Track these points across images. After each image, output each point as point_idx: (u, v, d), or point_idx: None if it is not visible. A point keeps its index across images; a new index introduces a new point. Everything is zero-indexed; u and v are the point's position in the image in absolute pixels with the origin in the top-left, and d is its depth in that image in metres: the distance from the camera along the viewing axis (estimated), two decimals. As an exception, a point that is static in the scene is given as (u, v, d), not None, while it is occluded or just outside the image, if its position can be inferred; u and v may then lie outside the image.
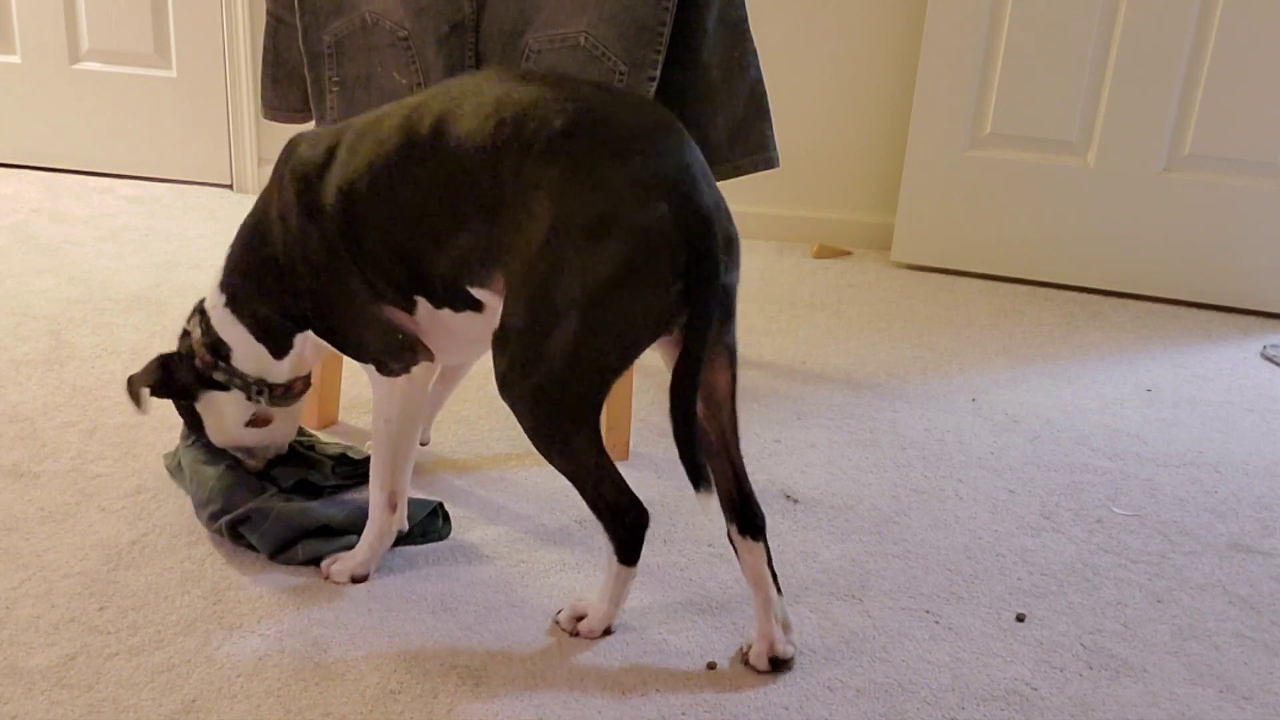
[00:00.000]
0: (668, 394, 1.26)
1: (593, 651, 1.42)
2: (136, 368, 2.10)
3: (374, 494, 1.52)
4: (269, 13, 1.81)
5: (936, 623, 1.52)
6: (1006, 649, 1.47)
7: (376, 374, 1.49)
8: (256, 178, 3.25)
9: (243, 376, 1.56)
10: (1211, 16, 2.65)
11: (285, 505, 1.57)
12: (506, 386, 1.32)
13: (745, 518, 1.37)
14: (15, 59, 3.26)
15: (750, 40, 1.74)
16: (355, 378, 2.10)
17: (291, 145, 1.48)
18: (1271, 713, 1.39)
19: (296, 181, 1.44)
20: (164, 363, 1.58)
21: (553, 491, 1.78)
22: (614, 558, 1.39)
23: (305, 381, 1.61)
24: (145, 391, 1.54)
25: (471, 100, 1.33)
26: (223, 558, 1.56)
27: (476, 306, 1.38)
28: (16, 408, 1.94)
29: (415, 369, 1.48)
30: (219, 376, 1.56)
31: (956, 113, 2.83)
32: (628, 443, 1.88)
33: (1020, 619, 1.53)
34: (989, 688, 1.40)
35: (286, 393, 1.59)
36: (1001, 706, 1.37)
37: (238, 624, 1.43)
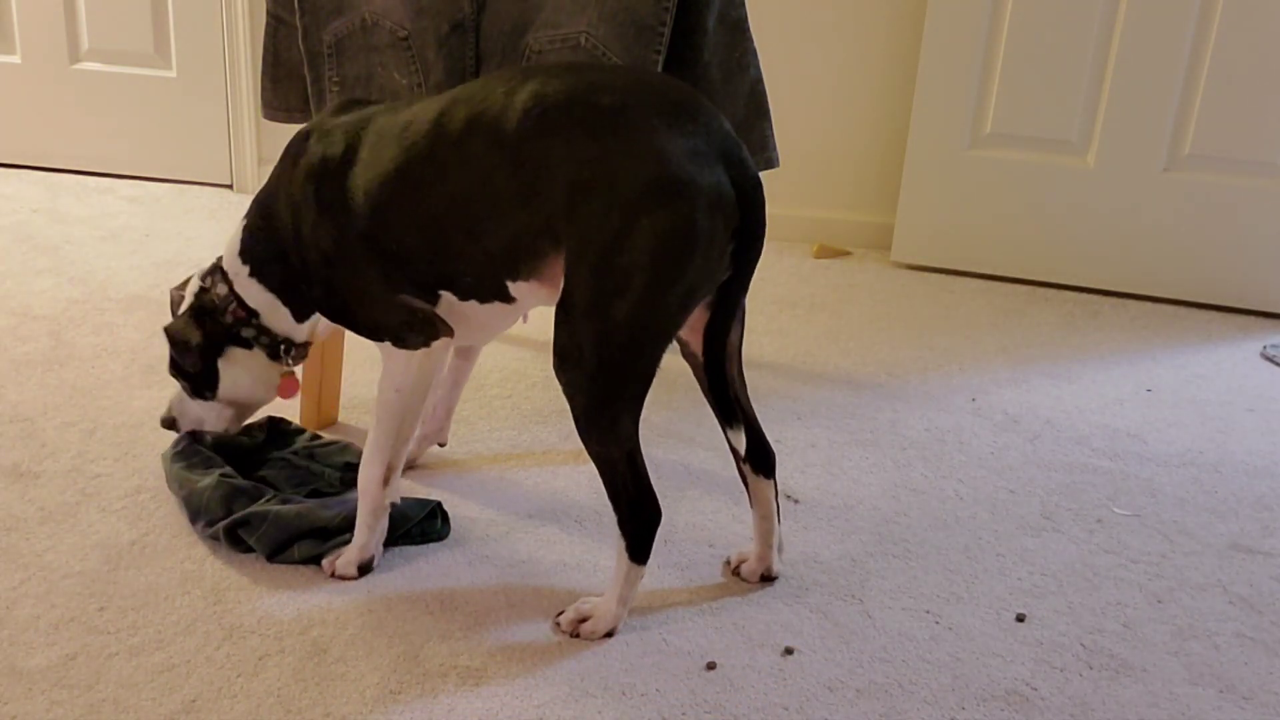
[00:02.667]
0: (700, 349, 1.41)
1: (593, 651, 1.42)
2: (136, 367, 2.11)
3: (369, 468, 1.52)
4: (269, 13, 1.81)
5: (936, 623, 1.52)
6: (1006, 649, 1.47)
7: (391, 347, 1.49)
8: (256, 178, 3.25)
9: (272, 335, 1.60)
10: (1211, 16, 2.65)
11: (282, 508, 1.57)
12: (567, 359, 1.33)
13: (759, 457, 1.52)
14: (15, 59, 3.26)
15: (750, 40, 1.75)
16: (354, 377, 2.10)
17: (304, 138, 1.49)
18: (1272, 713, 1.39)
19: (312, 179, 1.46)
20: (194, 317, 1.60)
21: (553, 491, 1.78)
22: (624, 555, 1.40)
23: (308, 345, 1.66)
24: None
25: (503, 96, 1.34)
26: (223, 558, 1.56)
27: (507, 299, 1.41)
28: (16, 408, 1.94)
29: (435, 343, 1.49)
30: (247, 333, 1.59)
31: (956, 113, 2.83)
32: (628, 443, 1.88)
33: (1020, 619, 1.53)
34: (989, 688, 1.40)
35: (301, 352, 1.64)
36: (1001, 706, 1.37)
37: (238, 624, 1.43)
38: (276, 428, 1.81)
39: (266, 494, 1.62)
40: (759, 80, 1.77)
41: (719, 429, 1.50)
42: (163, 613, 1.45)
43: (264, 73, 1.85)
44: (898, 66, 2.98)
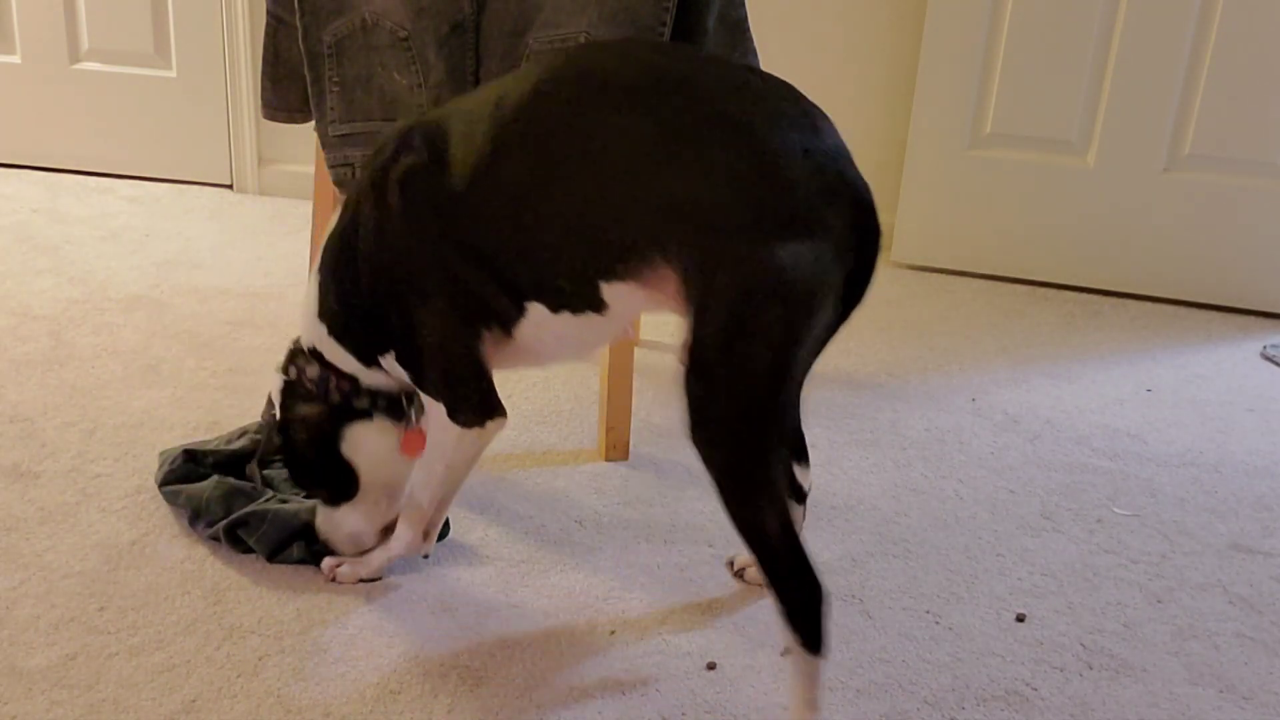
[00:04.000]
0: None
1: (593, 651, 1.42)
2: (136, 367, 2.11)
3: (409, 522, 1.48)
4: (269, 13, 1.81)
5: (936, 623, 1.52)
6: (1006, 649, 1.47)
7: (445, 418, 1.40)
8: (256, 178, 3.25)
9: (386, 393, 1.47)
10: (1211, 16, 2.65)
11: (281, 507, 1.57)
12: (706, 416, 1.18)
13: (798, 491, 1.48)
14: (15, 59, 3.26)
15: (750, 40, 1.75)
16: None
17: (387, 154, 1.36)
18: (1272, 713, 1.39)
19: (402, 191, 1.34)
20: (281, 426, 1.48)
21: (553, 491, 1.78)
22: (800, 652, 1.19)
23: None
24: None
25: (613, 76, 1.22)
26: (223, 558, 1.56)
27: (599, 307, 1.28)
28: (16, 408, 1.94)
29: (490, 423, 1.40)
30: (360, 403, 1.46)
31: (956, 113, 2.83)
32: (628, 443, 1.88)
33: (1020, 619, 1.53)
34: (989, 688, 1.40)
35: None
36: (1001, 706, 1.37)
37: (238, 624, 1.43)
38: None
39: (265, 494, 1.62)
40: (759, 80, 1.77)
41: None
42: (163, 613, 1.45)
43: (264, 73, 1.85)
44: (898, 66, 2.98)
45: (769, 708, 1.34)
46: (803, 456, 1.48)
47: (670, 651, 1.43)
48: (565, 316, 1.31)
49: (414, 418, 1.50)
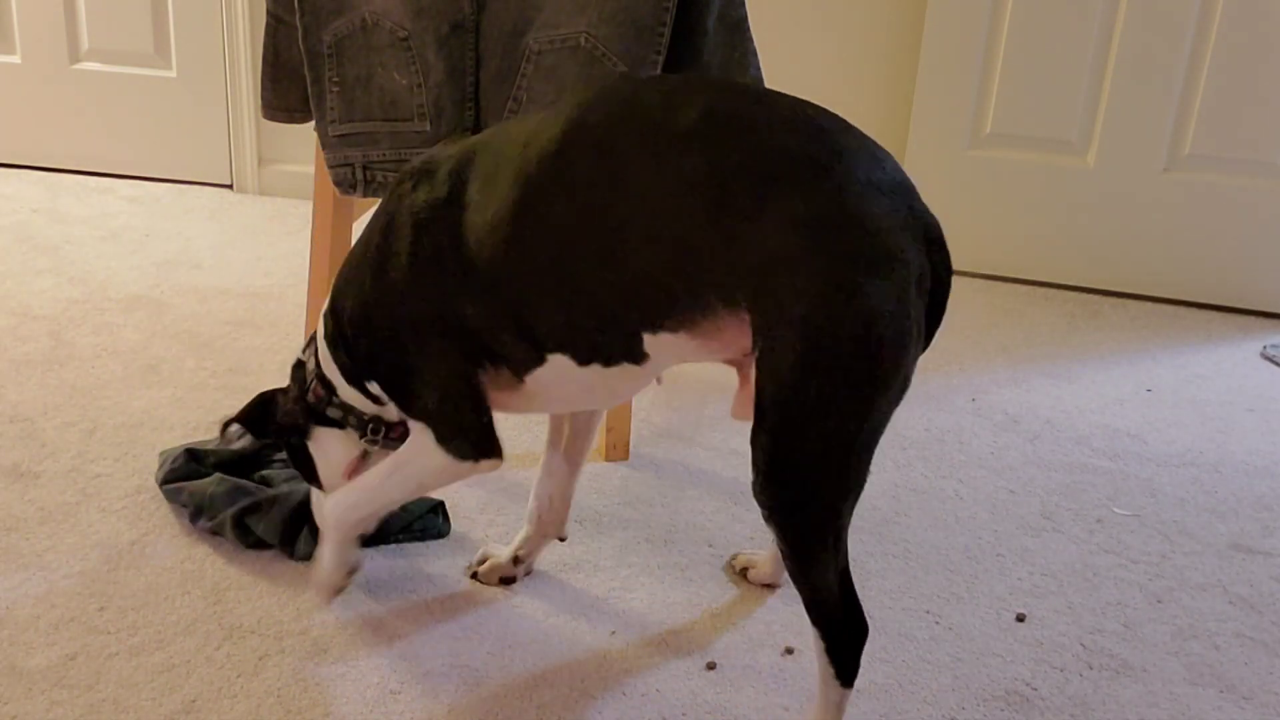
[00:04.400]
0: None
1: (593, 652, 1.42)
2: (136, 367, 2.11)
3: (351, 512, 1.40)
4: (269, 12, 1.81)
5: (936, 623, 1.52)
6: (1006, 649, 1.47)
7: (432, 441, 1.30)
8: (256, 178, 3.25)
9: (358, 414, 1.39)
10: (1211, 16, 2.65)
11: (290, 491, 1.57)
12: (779, 479, 1.11)
13: None
14: (15, 59, 3.26)
15: (750, 40, 1.74)
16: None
17: (405, 186, 1.29)
18: (1272, 713, 1.39)
19: (415, 229, 1.25)
20: (265, 399, 1.43)
21: (553, 491, 1.78)
22: (831, 682, 1.19)
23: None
24: (234, 428, 1.41)
25: (657, 114, 1.13)
26: (223, 558, 1.56)
27: (639, 358, 1.19)
28: (16, 408, 1.94)
29: (483, 462, 1.30)
30: (333, 413, 1.40)
31: (956, 113, 2.83)
32: (628, 443, 1.88)
33: (1020, 619, 1.53)
34: (989, 688, 1.40)
35: (394, 435, 1.41)
36: (1001, 706, 1.37)
37: (238, 624, 1.43)
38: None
39: (268, 492, 1.62)
40: (759, 80, 1.77)
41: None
42: (163, 613, 1.45)
43: (264, 73, 1.85)
44: (898, 66, 2.98)
45: (769, 708, 1.34)
46: None
47: (670, 651, 1.43)
48: (594, 368, 1.22)
49: (379, 446, 1.42)
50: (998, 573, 1.64)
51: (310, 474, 1.45)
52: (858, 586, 1.58)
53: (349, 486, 1.40)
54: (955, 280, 2.89)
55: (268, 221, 3.00)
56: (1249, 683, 1.44)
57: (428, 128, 1.69)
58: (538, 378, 1.25)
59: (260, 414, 1.43)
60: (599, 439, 1.90)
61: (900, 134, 3.00)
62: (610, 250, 1.13)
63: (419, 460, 1.32)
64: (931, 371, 2.33)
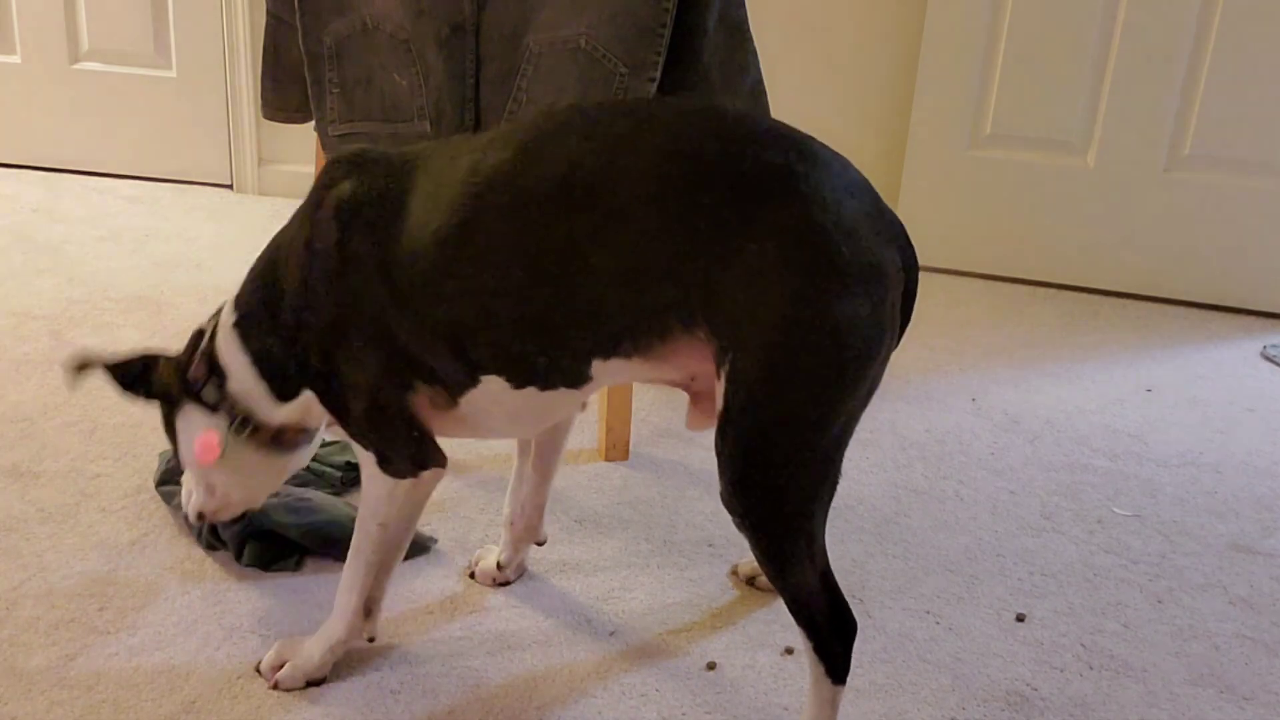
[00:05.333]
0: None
1: (593, 652, 1.42)
2: (136, 368, 2.11)
3: (346, 597, 1.33)
4: (269, 12, 1.81)
5: (936, 623, 1.52)
6: (1006, 649, 1.47)
7: (376, 470, 1.27)
8: (256, 178, 3.25)
9: (232, 405, 1.33)
10: (1211, 16, 2.65)
11: (259, 514, 1.54)
12: (748, 486, 1.10)
13: None
14: (15, 59, 3.26)
15: (751, 41, 1.74)
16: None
17: (333, 171, 1.24)
18: (1272, 713, 1.39)
19: (340, 225, 1.20)
20: (147, 358, 1.36)
21: (553, 491, 1.77)
22: (823, 680, 1.18)
23: (302, 433, 1.37)
24: (98, 370, 1.34)
25: (629, 131, 1.11)
26: (223, 558, 1.56)
27: (579, 382, 1.17)
28: (16, 408, 1.94)
29: (425, 474, 1.28)
30: (208, 396, 1.33)
31: (956, 113, 2.83)
32: (628, 443, 1.88)
33: (1020, 619, 1.53)
34: (989, 688, 1.40)
35: (275, 440, 1.36)
36: (1001, 706, 1.37)
37: (238, 624, 1.43)
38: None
39: None
40: (759, 81, 1.77)
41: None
42: (163, 612, 1.45)
43: (264, 73, 1.85)
44: (898, 66, 2.98)
45: (769, 708, 1.34)
46: None
47: (670, 651, 1.43)
48: (530, 392, 1.19)
49: (241, 440, 1.34)
50: (998, 573, 1.64)
51: (174, 443, 1.40)
52: (858, 586, 1.58)
53: (344, 573, 1.34)
54: (955, 280, 2.89)
55: (268, 221, 3.00)
56: (1249, 683, 1.44)
57: (428, 129, 1.69)
58: (472, 400, 1.21)
59: (137, 370, 1.36)
60: (599, 439, 1.90)
61: (900, 134, 3.00)
62: (566, 276, 1.10)
63: (372, 492, 1.29)
64: (931, 371, 2.33)
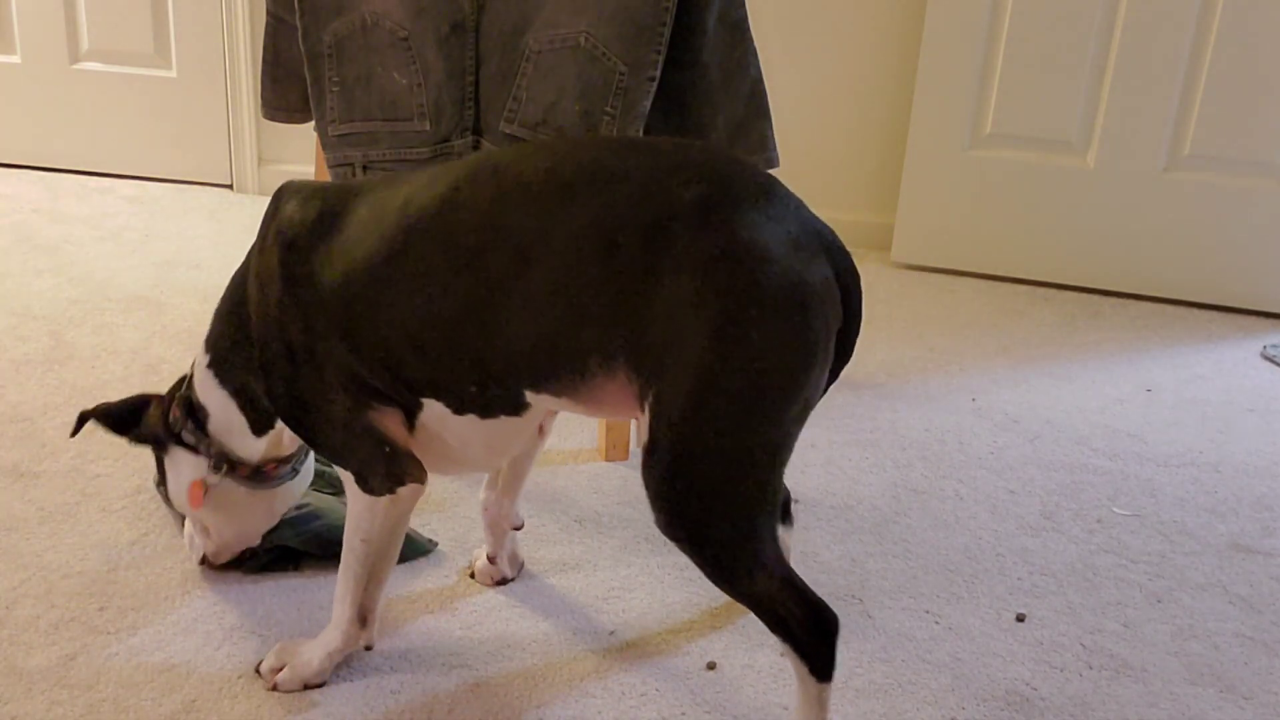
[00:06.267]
0: None
1: (593, 652, 1.42)
2: (136, 367, 2.11)
3: (340, 607, 1.33)
4: (269, 12, 1.81)
5: (936, 623, 1.52)
6: (1006, 649, 1.47)
7: (355, 487, 1.28)
8: (256, 178, 3.25)
9: (209, 445, 1.38)
10: (1211, 16, 2.65)
11: None
12: (676, 519, 1.11)
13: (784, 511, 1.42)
14: (15, 59, 3.26)
15: (750, 40, 1.74)
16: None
17: (279, 197, 1.28)
18: (1272, 713, 1.39)
19: (282, 246, 1.24)
20: (140, 401, 1.43)
21: (553, 491, 1.78)
22: (808, 679, 1.16)
23: (284, 464, 1.41)
24: (90, 422, 1.41)
25: (544, 174, 1.12)
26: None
27: (517, 409, 1.20)
28: (16, 408, 1.94)
29: (402, 490, 1.28)
30: (188, 437, 1.39)
31: (956, 113, 2.83)
32: (628, 443, 1.88)
33: (1020, 619, 1.53)
34: (989, 688, 1.40)
35: (256, 474, 1.39)
36: (1001, 706, 1.37)
37: (237, 624, 1.43)
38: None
39: None
40: (759, 80, 1.77)
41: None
42: (163, 613, 1.45)
43: (264, 72, 1.85)
44: (898, 66, 2.98)
45: (769, 708, 1.34)
46: (785, 515, 1.47)
47: (670, 651, 1.43)
48: (471, 419, 1.21)
49: (217, 479, 1.39)
50: (998, 573, 1.64)
51: (163, 486, 1.46)
52: (858, 586, 1.58)
53: (338, 586, 1.35)
54: (956, 280, 2.89)
55: (268, 221, 3.00)
56: (1249, 683, 1.44)
57: (428, 127, 1.69)
58: (423, 424, 1.24)
59: (128, 415, 1.42)
60: (599, 439, 1.90)
61: (900, 134, 3.00)
62: (489, 312, 1.12)
63: (352, 509, 1.30)
64: (932, 371, 2.33)
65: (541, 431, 1.40)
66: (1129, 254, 2.83)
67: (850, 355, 1.16)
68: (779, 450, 1.11)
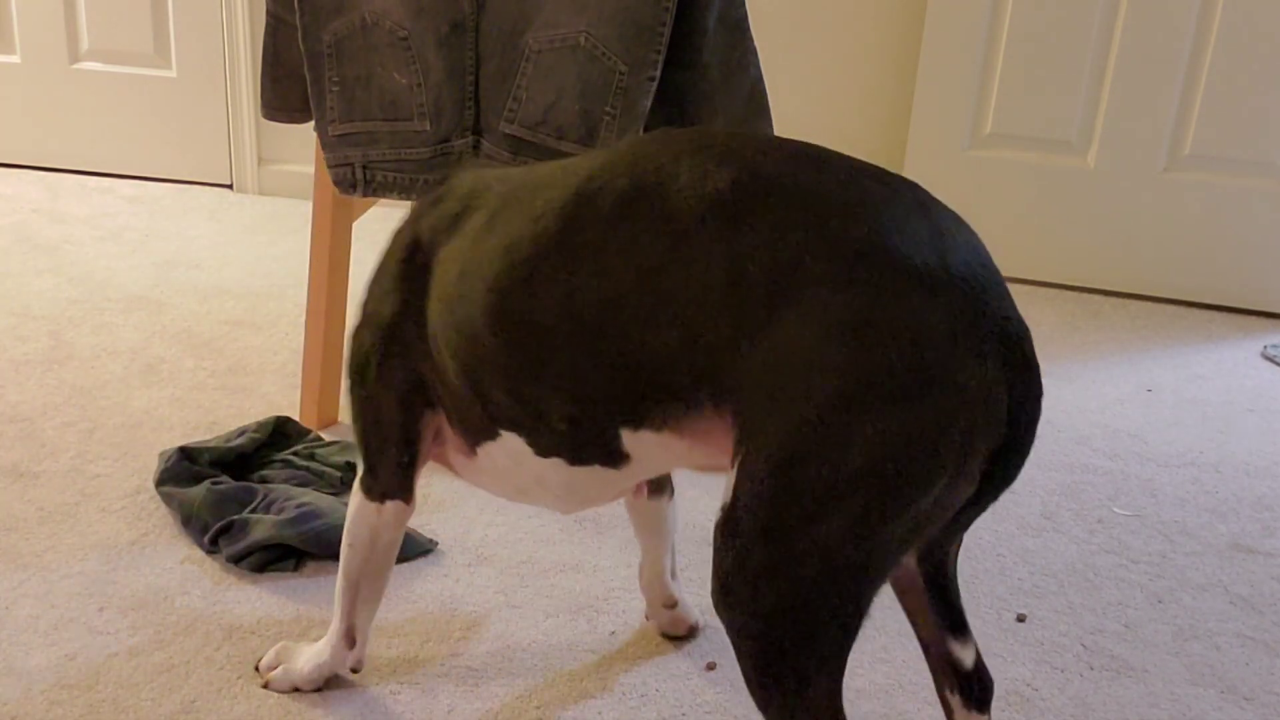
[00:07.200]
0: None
1: (593, 652, 1.42)
2: (136, 367, 2.11)
3: (335, 622, 1.31)
4: (269, 12, 1.81)
5: (937, 623, 1.52)
6: (1007, 649, 1.47)
7: (358, 481, 1.26)
8: (256, 178, 3.25)
9: None
10: (1211, 16, 2.65)
11: (259, 519, 1.55)
12: (732, 593, 0.94)
13: (981, 688, 1.10)
14: (15, 59, 3.26)
15: (750, 40, 1.74)
16: (355, 378, 2.09)
17: (425, 203, 1.19)
18: (1272, 713, 1.39)
19: (406, 246, 1.16)
20: None
21: (553, 491, 1.78)
22: None
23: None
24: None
25: (686, 178, 0.97)
26: (223, 558, 1.56)
27: (615, 459, 1.05)
28: (16, 408, 1.94)
29: (387, 504, 1.24)
30: None
31: (956, 113, 2.83)
32: (628, 443, 1.88)
33: (1020, 619, 1.53)
34: (989, 688, 1.40)
35: None
36: (1002, 707, 1.36)
37: (238, 624, 1.43)
38: (280, 429, 1.81)
39: (256, 497, 1.61)
40: (759, 80, 1.77)
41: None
42: (162, 613, 1.45)
43: (264, 72, 1.85)
44: (897, 66, 2.98)
45: (769, 708, 1.34)
46: (961, 628, 1.09)
47: (670, 652, 1.43)
48: (556, 463, 1.08)
49: None
50: (998, 573, 1.64)
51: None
52: (858, 586, 1.58)
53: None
54: (955, 280, 2.89)
55: (267, 221, 3.00)
56: (1250, 683, 1.44)
57: (428, 127, 1.69)
58: (492, 454, 1.14)
59: None
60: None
61: (900, 134, 3.00)
62: (602, 326, 0.98)
63: (351, 511, 1.27)
64: (932, 371, 2.33)
65: (639, 492, 1.28)
66: (1129, 254, 2.83)
67: (1009, 481, 0.95)
68: (863, 569, 0.92)
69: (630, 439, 1.02)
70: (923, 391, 0.87)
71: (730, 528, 0.93)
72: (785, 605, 0.92)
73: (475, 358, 1.07)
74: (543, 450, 1.08)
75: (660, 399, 0.98)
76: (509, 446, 1.11)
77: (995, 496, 0.96)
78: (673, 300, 0.95)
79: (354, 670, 1.33)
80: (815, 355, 0.88)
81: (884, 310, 0.88)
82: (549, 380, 1.02)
